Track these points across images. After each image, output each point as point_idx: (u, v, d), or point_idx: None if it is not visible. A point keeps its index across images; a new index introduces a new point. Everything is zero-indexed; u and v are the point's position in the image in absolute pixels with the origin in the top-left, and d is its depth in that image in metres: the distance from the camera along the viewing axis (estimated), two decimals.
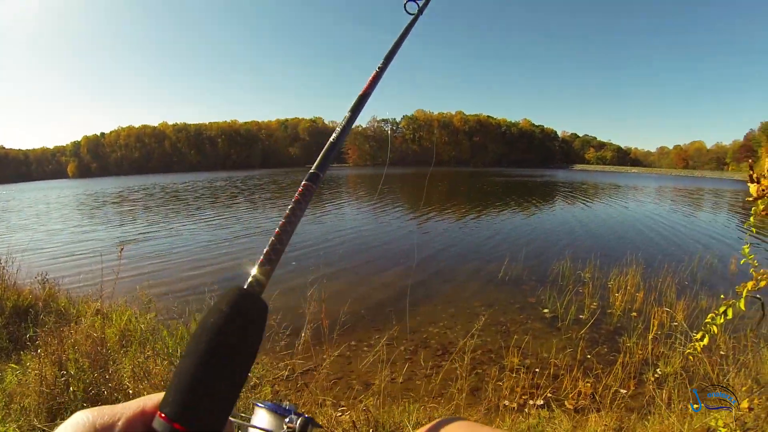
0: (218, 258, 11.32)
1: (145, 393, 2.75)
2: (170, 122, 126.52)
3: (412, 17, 1.12)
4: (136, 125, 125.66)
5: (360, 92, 0.85)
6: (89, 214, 24.02)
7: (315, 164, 0.66)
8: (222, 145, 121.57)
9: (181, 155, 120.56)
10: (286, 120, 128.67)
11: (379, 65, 0.94)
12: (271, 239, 0.53)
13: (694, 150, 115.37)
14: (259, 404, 0.57)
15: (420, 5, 1.15)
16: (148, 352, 3.87)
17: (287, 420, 0.53)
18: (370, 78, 0.89)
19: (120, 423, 0.40)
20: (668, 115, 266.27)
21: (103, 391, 3.17)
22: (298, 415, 0.54)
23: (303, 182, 0.61)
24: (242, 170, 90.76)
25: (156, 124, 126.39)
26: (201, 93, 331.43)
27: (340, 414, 3.72)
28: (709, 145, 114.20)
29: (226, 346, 0.42)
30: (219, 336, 0.42)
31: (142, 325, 4.68)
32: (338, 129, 0.73)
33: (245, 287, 0.48)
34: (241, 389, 0.43)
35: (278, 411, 0.55)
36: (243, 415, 0.59)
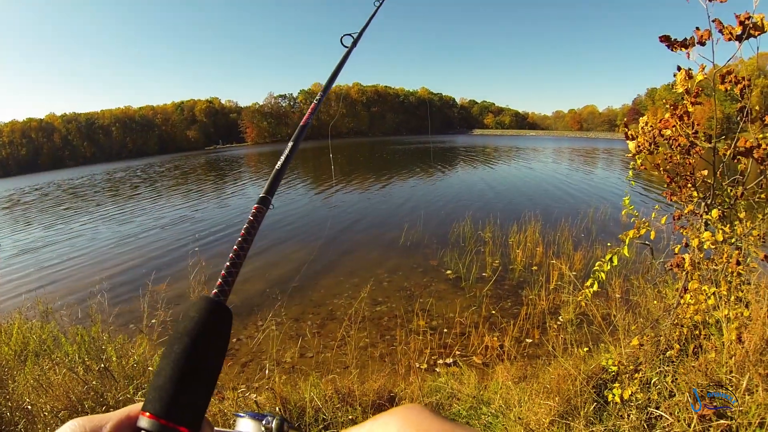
0: (123, 256, 10.51)
1: (47, 407, 2.81)
2: (58, 113, 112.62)
3: (347, 50, 1.26)
4: (20, 119, 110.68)
5: (301, 123, 0.91)
6: None
7: (264, 189, 0.73)
8: (117, 134, 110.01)
9: (74, 148, 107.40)
10: (182, 102, 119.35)
11: (317, 97, 1.01)
12: (230, 255, 0.59)
13: (587, 113, 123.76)
14: (240, 414, 0.62)
15: (354, 38, 1.31)
16: (47, 363, 3.46)
17: (264, 422, 0.58)
18: (309, 109, 0.96)
19: (108, 426, 0.42)
20: (563, 82, 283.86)
21: (5, 413, 2.87)
22: (274, 417, 0.59)
23: (254, 205, 0.69)
24: (141, 158, 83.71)
25: (43, 116, 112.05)
26: (86, 79, 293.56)
27: (246, 397, 3.53)
28: (601, 109, 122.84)
29: (198, 348, 0.47)
30: (191, 339, 0.47)
31: (35, 336, 4.28)
32: (282, 158, 0.80)
33: (212, 296, 0.53)
34: (214, 386, 0.48)
35: (256, 417, 0.59)
36: (228, 430, 0.62)
